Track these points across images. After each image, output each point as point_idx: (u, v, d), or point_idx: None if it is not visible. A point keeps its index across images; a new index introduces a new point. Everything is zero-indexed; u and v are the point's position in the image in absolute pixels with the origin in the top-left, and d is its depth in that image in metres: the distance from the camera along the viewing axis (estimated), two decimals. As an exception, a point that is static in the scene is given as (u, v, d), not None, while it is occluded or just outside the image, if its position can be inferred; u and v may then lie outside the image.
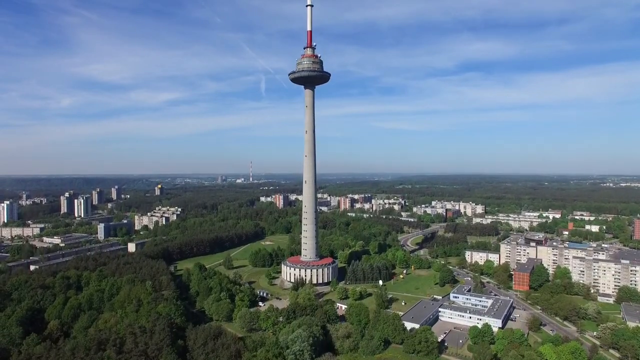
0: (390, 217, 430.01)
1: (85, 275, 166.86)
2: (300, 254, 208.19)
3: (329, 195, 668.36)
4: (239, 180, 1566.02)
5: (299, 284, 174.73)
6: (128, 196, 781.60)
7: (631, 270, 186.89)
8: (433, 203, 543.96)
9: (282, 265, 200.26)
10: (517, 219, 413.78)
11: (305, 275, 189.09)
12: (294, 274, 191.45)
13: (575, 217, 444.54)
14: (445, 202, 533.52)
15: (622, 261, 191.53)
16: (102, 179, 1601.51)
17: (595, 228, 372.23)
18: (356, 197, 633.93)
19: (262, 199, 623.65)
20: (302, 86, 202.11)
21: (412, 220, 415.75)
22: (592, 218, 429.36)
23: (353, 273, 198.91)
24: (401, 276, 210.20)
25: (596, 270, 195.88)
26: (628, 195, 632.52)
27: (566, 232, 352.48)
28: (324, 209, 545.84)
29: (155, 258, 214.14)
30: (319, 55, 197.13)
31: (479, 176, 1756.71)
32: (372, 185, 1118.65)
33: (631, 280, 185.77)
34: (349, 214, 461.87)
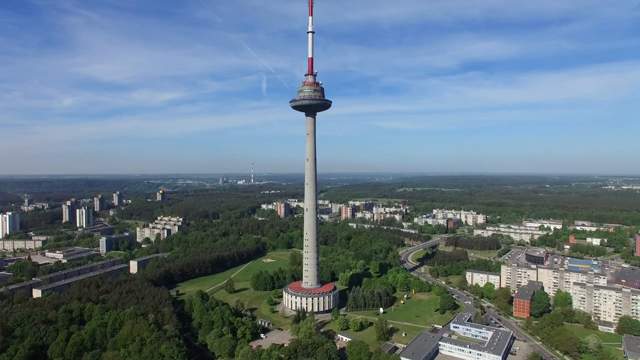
0: (392, 228, 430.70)
1: (88, 308, 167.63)
2: (302, 277, 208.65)
3: (330, 202, 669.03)
4: (240, 182, 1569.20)
5: (300, 315, 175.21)
6: (129, 201, 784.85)
7: (632, 299, 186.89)
8: (434, 211, 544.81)
9: (284, 292, 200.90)
10: (518, 230, 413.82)
11: (307, 304, 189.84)
12: (295, 302, 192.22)
13: (577, 227, 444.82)
14: (447, 211, 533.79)
15: (624, 290, 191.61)
16: (103, 180, 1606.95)
17: (596, 241, 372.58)
18: (357, 203, 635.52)
19: (264, 206, 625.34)
20: (304, 113, 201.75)
21: (413, 232, 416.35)
22: (593, 229, 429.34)
23: (354, 300, 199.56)
24: (402, 302, 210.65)
25: (597, 298, 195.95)
26: (630, 202, 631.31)
27: (567, 246, 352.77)
28: (325, 217, 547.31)
29: (157, 284, 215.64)
30: (320, 82, 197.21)
31: (480, 177, 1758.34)
32: (373, 187, 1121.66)
33: (632, 309, 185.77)
34: (350, 224, 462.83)
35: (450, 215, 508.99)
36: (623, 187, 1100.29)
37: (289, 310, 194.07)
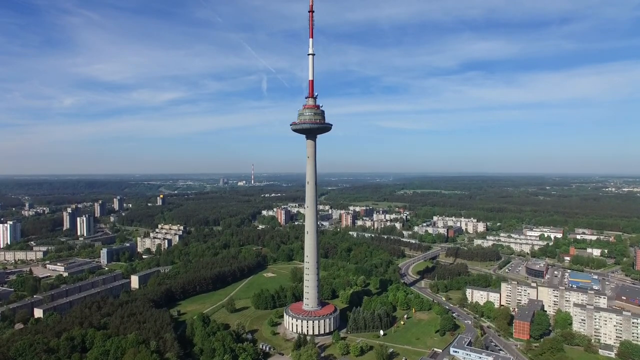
0: (392, 237, 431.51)
1: (90, 334, 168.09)
2: (303, 295, 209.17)
3: (331, 208, 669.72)
4: (240, 183, 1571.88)
5: (301, 341, 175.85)
6: (130, 205, 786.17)
7: (633, 323, 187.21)
8: (434, 218, 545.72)
9: (285, 314, 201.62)
10: (518, 240, 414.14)
11: (307, 327, 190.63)
12: (296, 325, 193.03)
13: (577, 235, 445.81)
14: (447, 218, 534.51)
15: (624, 313, 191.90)
16: (104, 181, 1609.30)
17: (597, 252, 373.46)
18: (357, 209, 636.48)
19: (264, 212, 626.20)
20: (304, 135, 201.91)
21: (414, 241, 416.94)
22: (593, 237, 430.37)
23: (354, 322, 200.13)
24: (402, 322, 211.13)
25: (597, 320, 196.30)
26: (630, 208, 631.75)
27: (568, 258, 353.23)
28: (326, 224, 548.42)
29: (159, 303, 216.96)
30: (320, 105, 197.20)
31: (481, 177, 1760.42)
32: (373, 190, 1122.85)
33: (633, 333, 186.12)
34: (351, 232, 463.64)
35: (450, 223, 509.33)
36: (623, 189, 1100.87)
37: (289, 332, 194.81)
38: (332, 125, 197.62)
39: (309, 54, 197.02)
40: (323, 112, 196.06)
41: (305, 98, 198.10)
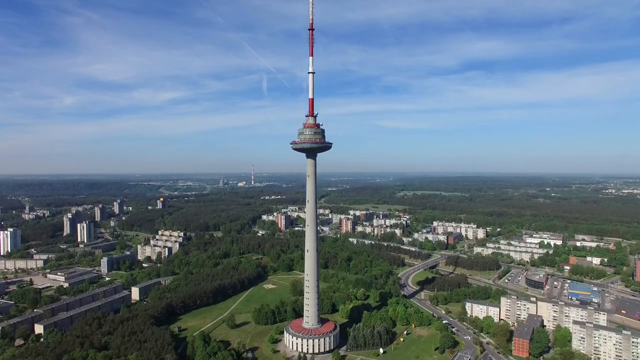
0: (392, 244, 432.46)
1: (91, 356, 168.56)
2: (303, 309, 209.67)
3: (331, 212, 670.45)
4: (240, 184, 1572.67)
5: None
6: (130, 209, 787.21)
7: (632, 342, 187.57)
8: (434, 224, 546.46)
9: (285, 332, 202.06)
10: (518, 248, 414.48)
11: (307, 346, 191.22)
12: (296, 343, 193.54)
13: (577, 242, 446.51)
14: (447, 224, 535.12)
15: (624, 332, 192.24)
16: (104, 181, 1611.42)
17: (596, 260, 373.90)
18: (358, 213, 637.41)
19: (264, 217, 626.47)
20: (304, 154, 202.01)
21: (414, 249, 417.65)
22: (593, 244, 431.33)
23: (354, 339, 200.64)
24: (402, 339, 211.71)
25: (597, 338, 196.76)
26: (630, 212, 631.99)
27: (567, 267, 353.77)
28: (326, 229, 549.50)
29: (159, 319, 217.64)
30: (320, 124, 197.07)
31: (481, 178, 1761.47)
32: (373, 191, 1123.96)
33: (633, 353, 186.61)
34: (351, 239, 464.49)
35: (450, 229, 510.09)
36: (623, 191, 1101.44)
37: (290, 350, 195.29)
38: (332, 144, 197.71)
39: (309, 72, 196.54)
40: (323, 131, 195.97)
41: (306, 116, 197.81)
